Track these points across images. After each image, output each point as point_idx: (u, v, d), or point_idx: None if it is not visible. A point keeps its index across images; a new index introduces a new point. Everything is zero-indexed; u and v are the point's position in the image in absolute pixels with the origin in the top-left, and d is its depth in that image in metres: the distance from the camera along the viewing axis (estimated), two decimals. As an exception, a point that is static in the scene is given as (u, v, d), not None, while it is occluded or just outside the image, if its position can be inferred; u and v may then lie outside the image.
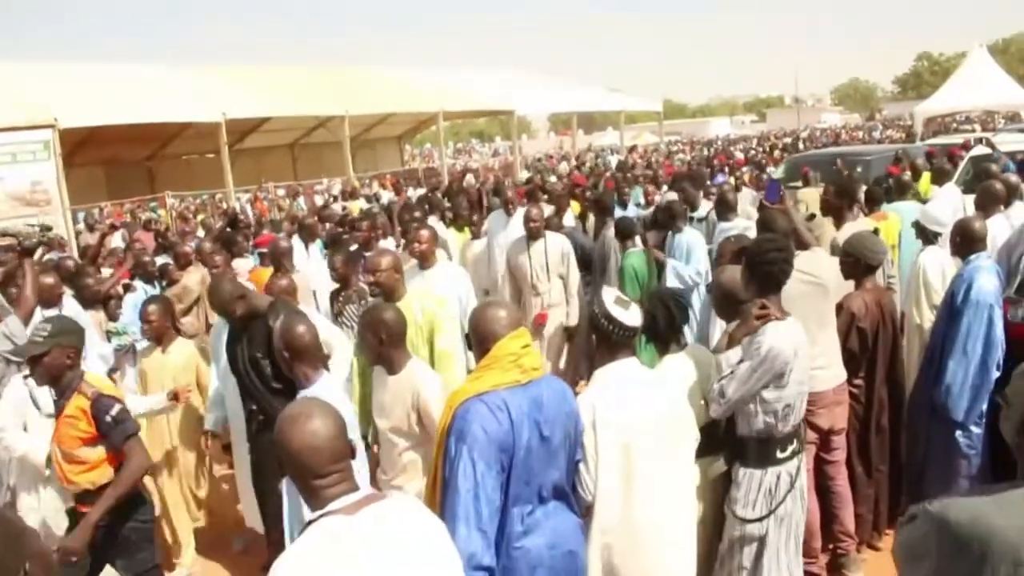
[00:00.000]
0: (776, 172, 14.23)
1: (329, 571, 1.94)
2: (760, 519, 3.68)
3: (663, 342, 3.88)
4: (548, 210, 9.13)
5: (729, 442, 3.78)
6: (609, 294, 3.34)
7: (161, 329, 5.60)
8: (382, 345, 3.84)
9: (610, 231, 7.76)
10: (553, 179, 17.48)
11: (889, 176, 8.55)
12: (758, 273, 3.70)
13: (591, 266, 8.02)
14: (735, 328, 3.81)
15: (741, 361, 3.60)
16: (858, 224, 6.19)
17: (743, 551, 3.74)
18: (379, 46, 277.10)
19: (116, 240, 14.40)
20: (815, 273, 4.54)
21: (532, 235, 7.38)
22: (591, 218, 9.49)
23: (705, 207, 8.96)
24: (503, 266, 7.88)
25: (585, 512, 3.17)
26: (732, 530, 3.77)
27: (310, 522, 2.07)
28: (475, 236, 8.98)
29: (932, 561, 2.03)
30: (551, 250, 7.35)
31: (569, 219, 9.71)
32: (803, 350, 3.68)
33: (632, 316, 3.25)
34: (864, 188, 8.15)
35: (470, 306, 5.60)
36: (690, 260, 7.22)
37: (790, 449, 3.71)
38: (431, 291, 5.40)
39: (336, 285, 6.82)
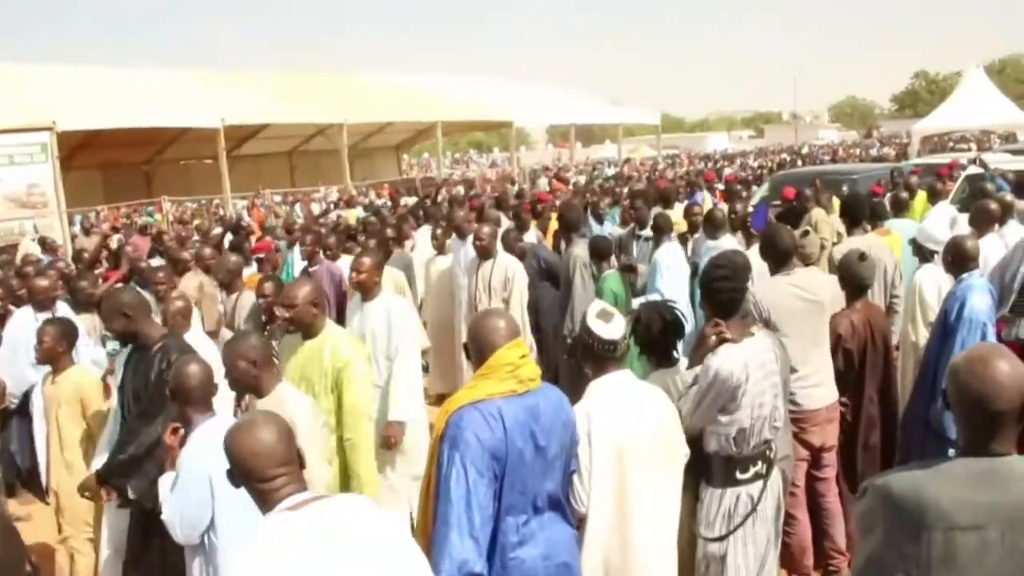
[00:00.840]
0: (760, 191, 14.02)
1: (275, 563, 2.05)
2: (719, 539, 3.60)
3: (657, 354, 3.88)
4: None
5: (697, 460, 3.69)
6: (594, 307, 3.35)
7: (51, 353, 4.89)
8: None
9: (575, 249, 7.19)
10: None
11: (874, 195, 8.50)
12: (710, 298, 3.68)
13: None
14: (694, 349, 3.82)
15: (694, 383, 3.58)
16: (866, 240, 6.20)
17: (709, 570, 3.67)
18: (378, 53, 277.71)
19: (113, 245, 14.38)
20: (812, 291, 4.56)
21: (480, 254, 7.16)
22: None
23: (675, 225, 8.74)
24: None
25: (578, 524, 3.17)
26: (699, 549, 3.69)
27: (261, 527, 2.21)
28: (440, 252, 8.74)
29: (880, 531, 2.15)
30: (496, 273, 7.07)
31: (531, 236, 9.14)
32: (765, 371, 3.55)
33: (612, 329, 3.25)
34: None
35: (403, 348, 5.15)
36: (654, 277, 6.89)
37: (752, 471, 3.60)
38: (353, 333, 5.05)
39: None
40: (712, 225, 7.62)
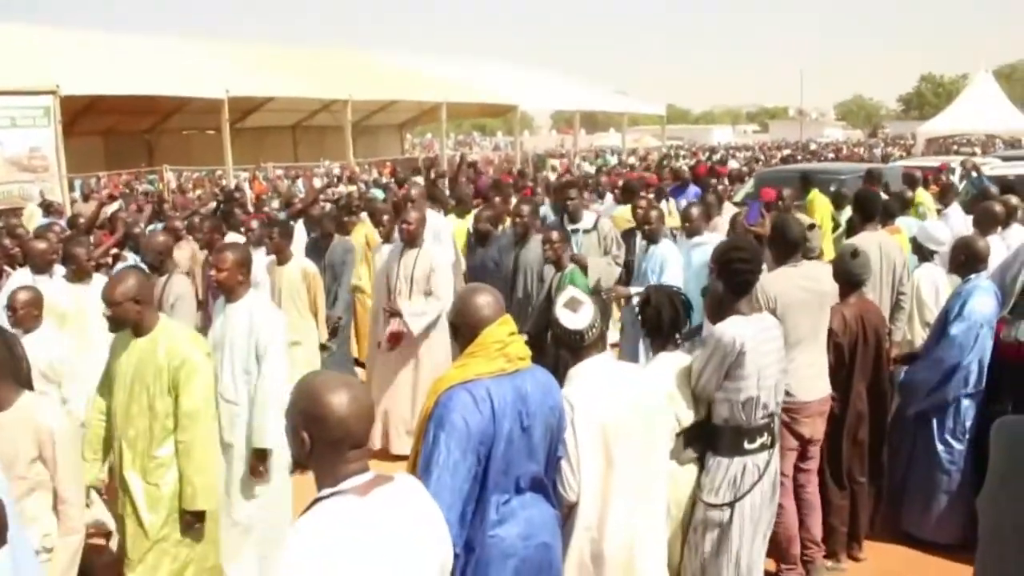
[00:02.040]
0: (745, 187, 13.85)
1: (344, 551, 1.91)
2: (722, 505, 3.79)
3: (663, 338, 3.91)
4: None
5: (705, 431, 3.88)
6: (564, 296, 3.37)
7: (27, 319, 4.74)
8: None
9: (531, 243, 6.82)
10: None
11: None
12: (727, 277, 3.91)
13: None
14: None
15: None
16: (877, 236, 6.18)
17: (706, 536, 3.86)
18: (385, 33, 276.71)
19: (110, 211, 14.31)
20: (817, 283, 4.59)
21: (405, 240, 6.76)
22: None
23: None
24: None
25: (568, 511, 3.18)
26: (698, 514, 3.88)
27: (318, 499, 2.04)
28: (385, 239, 7.83)
29: (998, 472, 2.31)
30: (420, 263, 6.68)
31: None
32: (767, 348, 3.84)
33: (578, 319, 3.26)
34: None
35: (268, 357, 4.59)
36: (663, 275, 6.47)
37: (759, 442, 3.84)
38: (193, 333, 4.47)
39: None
40: (690, 227, 7.13)
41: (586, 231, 7.29)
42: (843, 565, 4.93)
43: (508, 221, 8.18)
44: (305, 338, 6.69)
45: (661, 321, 3.90)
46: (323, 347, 6.97)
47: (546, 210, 9.62)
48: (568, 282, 6.08)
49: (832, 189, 10.06)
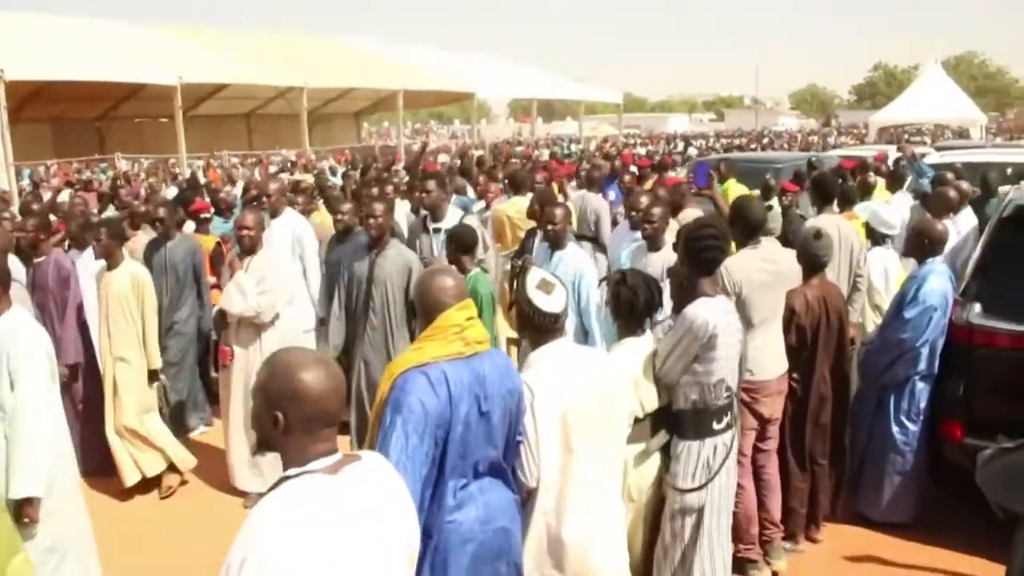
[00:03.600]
0: (680, 174, 13.74)
1: (313, 530, 1.87)
2: (699, 488, 3.80)
3: (636, 321, 3.89)
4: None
5: (666, 418, 3.86)
6: (535, 276, 3.30)
7: None
8: None
9: (388, 251, 5.75)
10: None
11: (784, 192, 8.21)
12: (694, 256, 3.87)
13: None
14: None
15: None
16: (834, 220, 6.25)
17: (684, 523, 3.85)
18: (342, 19, 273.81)
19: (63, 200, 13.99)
20: (775, 263, 4.63)
21: (245, 250, 5.94)
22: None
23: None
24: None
25: (527, 496, 3.16)
26: (673, 503, 3.86)
27: (285, 477, 2.00)
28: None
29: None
30: (253, 269, 5.93)
31: (401, 216, 8.31)
32: (732, 329, 3.84)
33: (553, 301, 3.23)
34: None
35: (21, 384, 3.84)
36: (581, 290, 5.57)
37: (725, 421, 3.86)
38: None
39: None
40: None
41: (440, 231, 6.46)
42: (800, 547, 5.00)
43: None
44: (134, 357, 5.98)
45: (636, 303, 3.81)
46: (151, 375, 6.08)
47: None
48: (470, 287, 4.99)
49: (768, 178, 10.05)
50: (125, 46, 24.01)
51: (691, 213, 7.58)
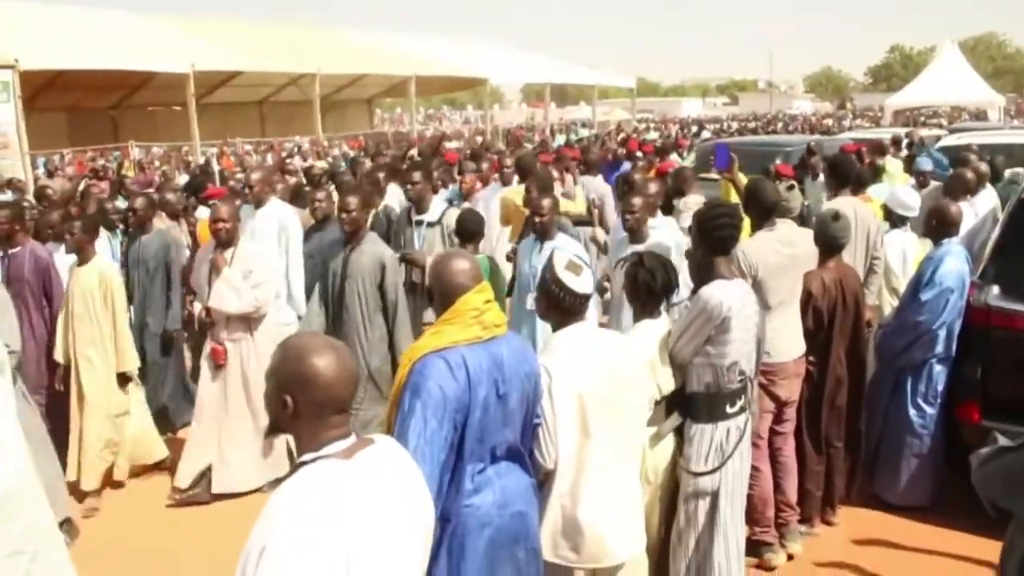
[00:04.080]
0: (686, 160, 13.50)
1: (330, 515, 1.88)
2: (712, 471, 3.78)
3: (653, 303, 3.88)
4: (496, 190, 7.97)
5: (679, 401, 3.86)
6: (561, 258, 3.30)
7: None
8: None
9: (364, 244, 5.51)
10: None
11: (779, 176, 8.02)
12: (708, 237, 3.86)
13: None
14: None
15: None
16: (850, 202, 6.19)
17: (698, 505, 3.84)
18: (353, 7, 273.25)
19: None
20: (792, 245, 4.62)
21: (221, 243, 5.77)
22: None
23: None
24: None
25: (544, 478, 3.17)
26: (686, 487, 3.85)
27: (302, 463, 2.01)
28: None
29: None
30: (236, 263, 5.72)
31: (393, 199, 8.14)
32: (748, 312, 3.82)
33: (583, 283, 3.23)
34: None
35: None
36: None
37: (738, 405, 3.84)
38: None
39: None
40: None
41: (431, 224, 6.23)
42: (816, 530, 4.99)
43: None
44: (95, 357, 5.72)
45: (654, 286, 3.80)
46: (121, 379, 5.81)
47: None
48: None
49: (778, 161, 9.90)
50: (138, 35, 24.09)
51: (695, 199, 7.53)
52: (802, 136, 18.90)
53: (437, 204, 6.29)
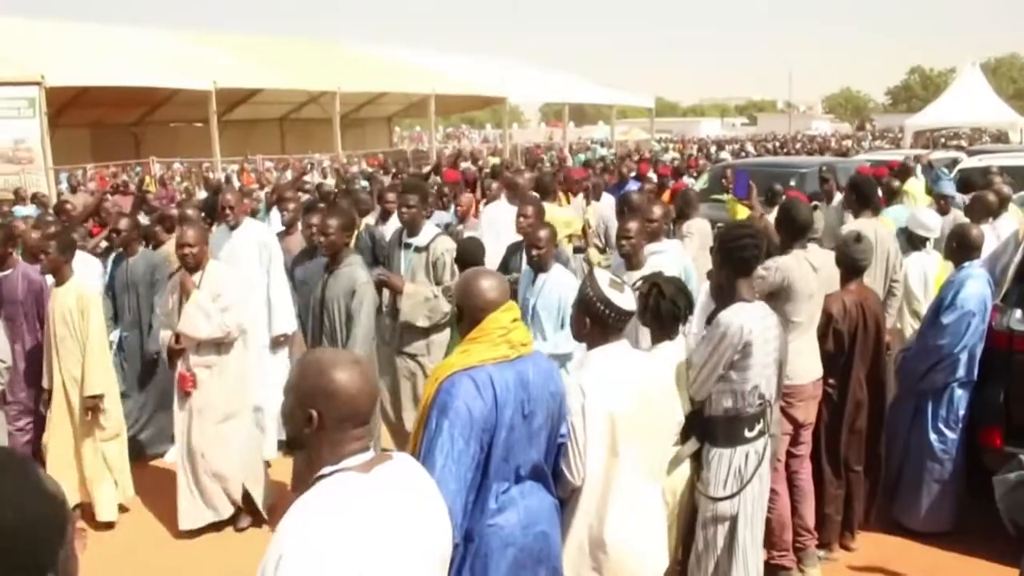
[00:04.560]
0: (698, 183, 13.24)
1: (348, 527, 1.88)
2: (731, 496, 3.74)
3: (672, 326, 3.88)
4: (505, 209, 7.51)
5: (697, 424, 3.83)
6: (603, 277, 3.30)
7: None
8: None
9: (343, 268, 5.32)
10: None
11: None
12: (731, 258, 3.81)
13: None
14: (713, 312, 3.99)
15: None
16: (871, 223, 6.16)
17: (717, 530, 3.81)
18: (373, 25, 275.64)
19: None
20: (821, 269, 4.61)
21: (189, 267, 5.51)
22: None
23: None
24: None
25: (569, 497, 3.16)
26: (705, 512, 3.82)
27: (320, 477, 2.01)
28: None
29: None
30: (205, 286, 5.49)
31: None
32: (769, 335, 3.77)
33: (627, 300, 3.24)
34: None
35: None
36: (563, 314, 4.98)
37: (757, 429, 3.80)
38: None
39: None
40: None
41: (418, 249, 5.83)
42: (835, 555, 4.93)
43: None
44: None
45: (679, 311, 3.81)
46: (89, 402, 5.49)
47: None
48: None
49: (792, 183, 9.81)
50: (161, 53, 24.39)
51: (698, 224, 7.45)
52: (817, 158, 18.61)
53: (428, 229, 5.98)
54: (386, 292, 5.77)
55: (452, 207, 9.49)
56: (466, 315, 2.94)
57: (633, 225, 5.27)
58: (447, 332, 5.60)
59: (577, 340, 3.47)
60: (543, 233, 5.35)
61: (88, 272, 6.39)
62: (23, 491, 1.33)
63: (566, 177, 10.95)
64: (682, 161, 18.25)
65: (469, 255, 5.33)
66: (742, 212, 8.48)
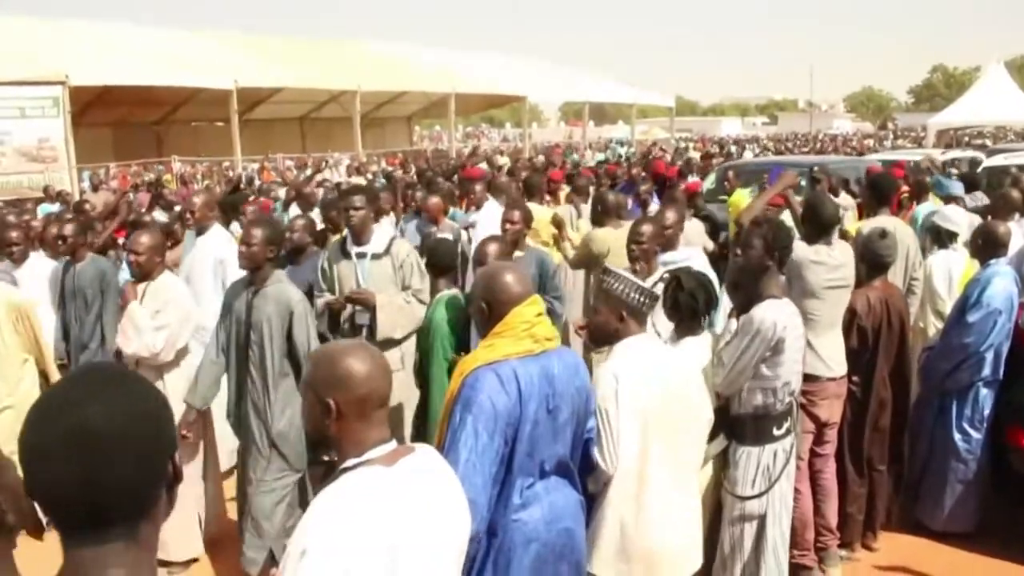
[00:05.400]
0: (706, 182, 12.98)
1: (371, 523, 1.89)
2: (759, 495, 3.73)
3: (696, 322, 3.86)
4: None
5: (724, 423, 3.81)
6: (618, 269, 3.33)
7: None
8: None
9: (271, 285, 4.68)
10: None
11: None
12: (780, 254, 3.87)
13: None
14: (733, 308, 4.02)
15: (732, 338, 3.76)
16: (890, 220, 6.09)
17: (744, 530, 3.80)
18: (393, 25, 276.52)
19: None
20: (847, 267, 4.58)
21: (136, 276, 5.17)
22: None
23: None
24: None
25: (602, 491, 3.15)
26: (732, 511, 3.80)
27: (344, 469, 2.02)
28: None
29: None
30: (148, 300, 5.01)
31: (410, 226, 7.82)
32: (797, 333, 3.78)
33: (639, 280, 3.29)
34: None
35: None
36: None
37: (785, 427, 3.79)
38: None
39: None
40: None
41: (376, 256, 5.37)
42: (857, 555, 4.89)
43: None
44: (21, 399, 4.97)
45: (696, 305, 3.80)
46: None
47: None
48: (434, 312, 4.47)
49: (802, 183, 9.69)
50: (183, 52, 24.55)
51: (691, 226, 7.17)
52: (814, 157, 17.88)
53: (381, 234, 5.47)
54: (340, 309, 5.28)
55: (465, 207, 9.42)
56: (492, 310, 2.91)
57: (647, 228, 4.95)
58: (413, 338, 5.00)
59: (601, 343, 3.37)
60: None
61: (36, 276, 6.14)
62: (145, 386, 1.37)
63: (549, 178, 10.61)
64: (686, 161, 17.51)
65: (439, 257, 4.90)
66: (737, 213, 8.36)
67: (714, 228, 8.03)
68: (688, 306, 3.80)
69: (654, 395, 3.13)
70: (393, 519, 1.91)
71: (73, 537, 1.24)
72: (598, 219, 6.42)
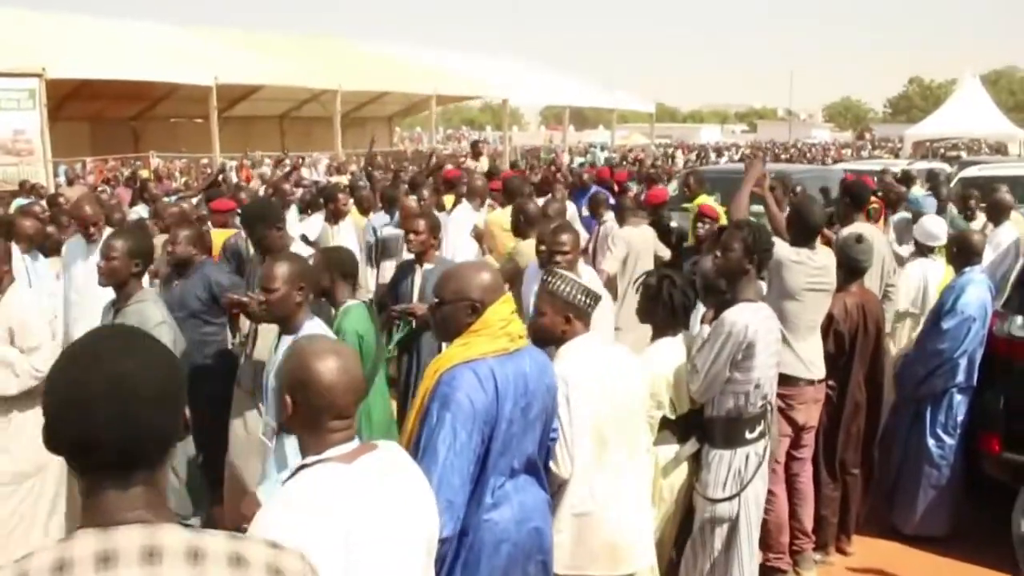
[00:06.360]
0: (671, 187, 12.90)
1: (324, 514, 1.87)
2: (730, 498, 3.73)
3: (670, 323, 3.85)
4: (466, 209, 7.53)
5: (697, 424, 3.83)
6: (564, 271, 3.38)
7: None
8: None
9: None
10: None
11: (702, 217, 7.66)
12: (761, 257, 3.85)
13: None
14: (707, 312, 4.01)
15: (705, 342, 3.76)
16: (865, 227, 6.14)
17: (715, 532, 3.80)
18: (375, 22, 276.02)
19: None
20: (828, 271, 4.58)
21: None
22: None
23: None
24: None
25: (557, 489, 3.13)
26: (703, 513, 3.80)
27: (303, 466, 2.00)
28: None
29: None
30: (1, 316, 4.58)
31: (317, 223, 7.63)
32: (771, 337, 3.79)
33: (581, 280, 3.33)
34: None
35: None
36: None
37: (758, 430, 3.79)
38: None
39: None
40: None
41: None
42: (831, 558, 4.91)
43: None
44: None
45: (687, 301, 3.84)
46: None
47: None
48: (343, 322, 4.21)
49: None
50: (162, 47, 24.36)
51: (626, 232, 7.02)
52: (780, 165, 17.84)
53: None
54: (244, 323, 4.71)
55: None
56: (480, 307, 2.82)
57: (567, 237, 4.65)
58: None
59: (545, 344, 3.26)
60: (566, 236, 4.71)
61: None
62: (161, 344, 1.51)
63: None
64: (648, 170, 16.77)
65: (337, 264, 4.48)
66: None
67: (679, 237, 8.00)
68: (683, 304, 3.84)
69: (605, 394, 3.15)
70: (348, 511, 1.89)
71: (97, 482, 1.37)
72: (520, 230, 5.90)
